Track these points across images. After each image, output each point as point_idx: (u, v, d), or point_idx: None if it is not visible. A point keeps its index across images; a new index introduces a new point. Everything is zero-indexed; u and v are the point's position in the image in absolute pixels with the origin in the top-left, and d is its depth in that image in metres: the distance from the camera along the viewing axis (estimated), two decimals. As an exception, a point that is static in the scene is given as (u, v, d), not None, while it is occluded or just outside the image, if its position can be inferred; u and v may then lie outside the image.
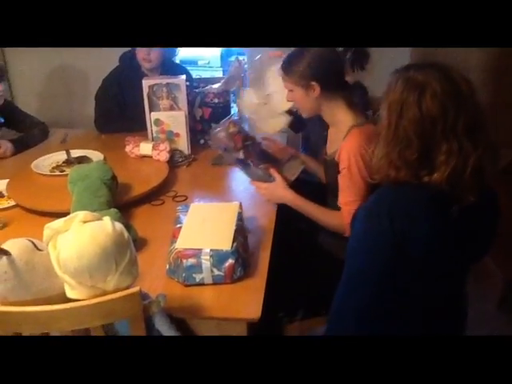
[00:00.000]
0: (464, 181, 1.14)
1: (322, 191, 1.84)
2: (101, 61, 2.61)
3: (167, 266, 1.42)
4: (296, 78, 1.66)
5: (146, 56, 2.43)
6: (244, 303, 1.32)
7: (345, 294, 1.23)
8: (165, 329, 1.18)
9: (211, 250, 1.37)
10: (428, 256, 1.18)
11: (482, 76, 2.88)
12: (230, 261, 1.36)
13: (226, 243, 1.39)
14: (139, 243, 1.55)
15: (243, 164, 1.90)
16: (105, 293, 1.04)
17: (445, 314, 1.28)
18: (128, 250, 1.07)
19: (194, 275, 1.36)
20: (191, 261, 1.36)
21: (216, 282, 1.37)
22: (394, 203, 1.17)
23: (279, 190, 1.75)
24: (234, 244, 1.39)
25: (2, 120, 2.43)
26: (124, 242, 1.06)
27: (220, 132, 1.95)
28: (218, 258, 1.36)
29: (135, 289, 1.04)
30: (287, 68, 1.68)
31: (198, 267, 1.35)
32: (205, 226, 1.50)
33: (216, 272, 1.36)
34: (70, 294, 1.04)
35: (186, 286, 1.37)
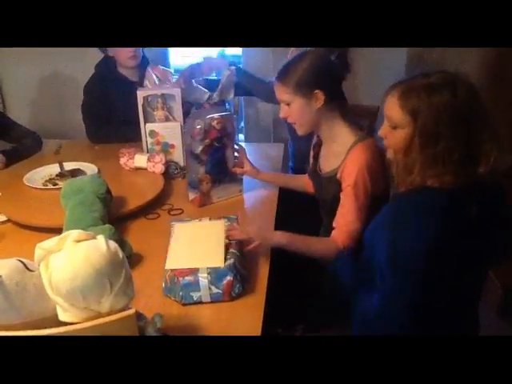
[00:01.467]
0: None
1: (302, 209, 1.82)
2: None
3: (163, 285, 1.38)
4: (295, 86, 1.55)
5: (133, 53, 2.44)
6: (243, 321, 1.29)
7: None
8: (161, 350, 1.13)
9: (208, 267, 1.33)
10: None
11: (479, 82, 2.88)
12: (229, 278, 1.33)
13: (218, 260, 1.37)
14: (134, 259, 1.51)
15: (192, 157, 1.84)
16: (99, 315, 1.00)
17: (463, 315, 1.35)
18: (123, 269, 1.03)
19: (191, 293, 1.32)
20: (188, 279, 1.32)
21: (214, 300, 1.33)
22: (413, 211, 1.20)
23: (269, 232, 1.60)
24: (231, 260, 1.37)
25: (-6, 131, 2.39)
26: (119, 262, 1.02)
27: (204, 121, 1.81)
28: (215, 275, 1.33)
29: (131, 311, 1.00)
30: (284, 76, 1.58)
31: (195, 285, 1.32)
32: (193, 245, 1.47)
33: (214, 290, 1.32)
34: (62, 316, 0.99)
35: (184, 304, 1.33)
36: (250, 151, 2.37)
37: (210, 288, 1.32)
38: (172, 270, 1.35)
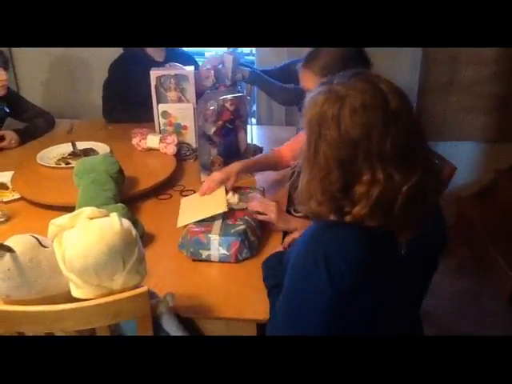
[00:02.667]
0: (394, 215, 0.95)
1: None
2: (105, 50, 2.57)
3: (180, 240, 1.47)
4: (321, 69, 1.54)
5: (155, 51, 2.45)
6: (253, 303, 1.28)
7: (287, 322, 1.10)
8: (172, 329, 1.14)
9: (221, 229, 1.43)
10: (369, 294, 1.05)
11: (496, 69, 2.84)
12: (236, 241, 1.41)
13: (221, 206, 1.50)
14: (146, 239, 1.52)
15: (204, 139, 1.85)
16: (111, 292, 1.01)
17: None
18: (136, 248, 1.04)
19: (200, 251, 1.42)
20: (199, 237, 1.42)
21: (221, 260, 1.42)
22: (329, 247, 0.99)
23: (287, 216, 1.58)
24: (242, 226, 1.45)
25: (8, 110, 2.39)
26: (132, 240, 1.03)
27: (217, 102, 1.82)
28: (225, 237, 1.41)
29: (143, 288, 1.01)
30: (310, 60, 1.60)
31: (205, 244, 1.41)
32: (198, 205, 1.59)
33: (222, 251, 1.41)
34: (75, 293, 1.00)
35: (193, 260, 1.43)
36: (261, 134, 2.37)
37: (218, 249, 1.41)
38: (187, 228, 1.46)
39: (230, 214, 1.52)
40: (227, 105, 1.82)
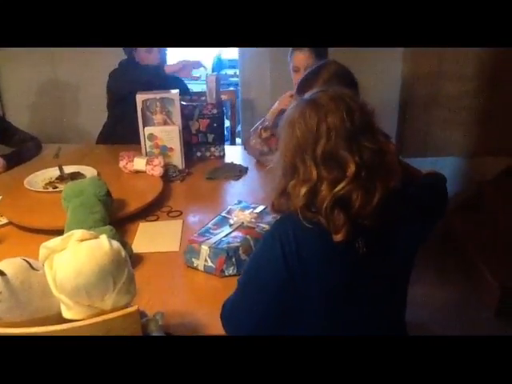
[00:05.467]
0: (322, 214, 1.05)
1: None
2: (92, 73, 2.60)
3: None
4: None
5: (148, 55, 2.51)
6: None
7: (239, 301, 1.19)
8: (163, 347, 1.16)
9: (214, 243, 1.49)
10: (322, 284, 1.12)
11: (477, 84, 2.91)
12: (223, 257, 1.45)
13: (173, 245, 1.64)
14: (135, 260, 1.53)
15: None
16: (102, 312, 1.02)
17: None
18: (126, 268, 1.05)
19: (192, 259, 1.50)
20: (193, 246, 1.50)
21: (206, 271, 1.48)
22: (286, 230, 1.10)
23: None
24: (237, 244, 1.48)
25: (-6, 135, 2.40)
26: (121, 260, 1.05)
27: (253, 139, 2.23)
28: (215, 250, 1.46)
29: (134, 308, 1.03)
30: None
31: (196, 253, 1.49)
32: (154, 234, 1.73)
33: (209, 263, 1.47)
34: (66, 314, 1.01)
35: (188, 266, 1.51)
36: (247, 156, 2.40)
37: (206, 259, 1.47)
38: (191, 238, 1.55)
39: (241, 228, 1.58)
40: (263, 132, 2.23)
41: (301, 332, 1.17)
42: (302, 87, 1.63)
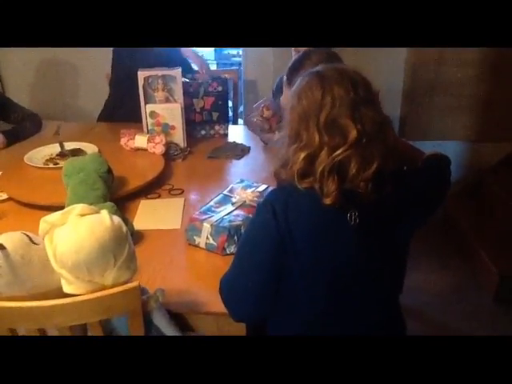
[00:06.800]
0: (322, 177, 1.07)
1: None
2: (92, 53, 2.57)
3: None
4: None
5: None
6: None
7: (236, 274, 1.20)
8: (163, 324, 1.16)
9: (216, 221, 1.48)
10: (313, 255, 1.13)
11: (479, 71, 2.90)
12: (225, 235, 1.44)
13: (175, 222, 1.63)
14: (136, 237, 1.52)
15: None
16: (103, 288, 1.02)
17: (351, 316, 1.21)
18: (126, 244, 1.05)
19: (194, 237, 1.49)
20: (195, 224, 1.49)
21: (208, 249, 1.47)
22: (278, 197, 1.14)
23: None
24: (239, 222, 1.47)
25: (-6, 112, 2.38)
26: (122, 236, 1.04)
27: (255, 117, 2.21)
28: (216, 228, 1.46)
29: (134, 283, 1.02)
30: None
31: (198, 231, 1.48)
32: (156, 212, 1.72)
33: (210, 240, 1.46)
34: (66, 288, 1.01)
35: (189, 244, 1.50)
36: (248, 134, 2.39)
37: (207, 237, 1.47)
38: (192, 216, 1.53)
39: (243, 206, 1.58)
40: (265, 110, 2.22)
41: (300, 309, 1.18)
42: (293, 69, 1.67)
